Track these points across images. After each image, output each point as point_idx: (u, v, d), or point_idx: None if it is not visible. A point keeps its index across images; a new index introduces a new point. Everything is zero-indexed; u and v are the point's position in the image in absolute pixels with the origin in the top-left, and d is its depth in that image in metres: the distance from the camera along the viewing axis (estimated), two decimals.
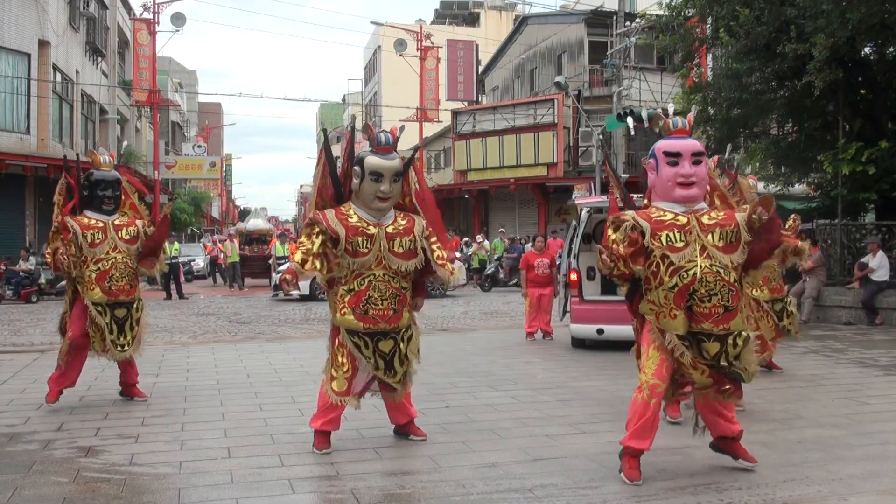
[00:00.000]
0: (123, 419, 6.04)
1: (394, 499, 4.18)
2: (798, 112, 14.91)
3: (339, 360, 4.92)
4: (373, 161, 4.91)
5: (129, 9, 32.63)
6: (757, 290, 7.11)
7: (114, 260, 6.29)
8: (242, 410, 6.32)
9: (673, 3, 14.81)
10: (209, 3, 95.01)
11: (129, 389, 6.70)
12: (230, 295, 20.96)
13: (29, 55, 21.52)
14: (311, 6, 75.24)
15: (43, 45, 21.99)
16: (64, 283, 6.87)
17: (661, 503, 4.11)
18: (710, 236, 4.30)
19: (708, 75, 16.92)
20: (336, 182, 5.08)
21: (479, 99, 39.97)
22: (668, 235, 4.31)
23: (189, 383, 7.57)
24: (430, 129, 36.93)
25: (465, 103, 37.98)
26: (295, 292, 17.85)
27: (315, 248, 4.78)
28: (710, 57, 17.18)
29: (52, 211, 6.47)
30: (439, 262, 5.03)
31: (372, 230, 4.89)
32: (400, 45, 33.63)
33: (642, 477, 4.38)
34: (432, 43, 34.21)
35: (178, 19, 28.60)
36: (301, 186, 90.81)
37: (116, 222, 6.43)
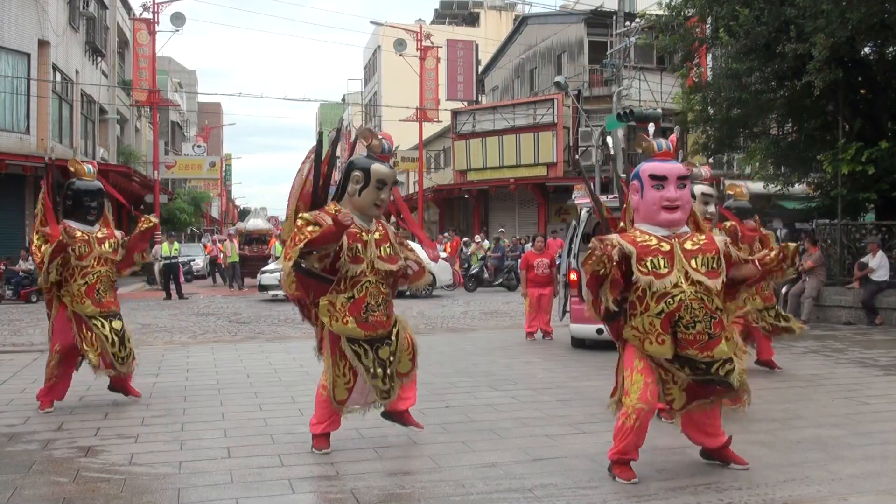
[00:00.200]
0: (123, 419, 6.04)
1: (394, 499, 4.18)
2: (798, 112, 14.91)
3: (340, 369, 4.89)
4: (380, 169, 4.89)
5: (128, 9, 32.61)
6: (750, 301, 7.09)
7: (99, 273, 6.20)
8: (242, 410, 6.32)
9: (673, 3, 14.81)
10: (209, 3, 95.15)
11: (124, 390, 6.65)
12: (230, 295, 20.97)
13: (29, 55, 21.51)
14: (310, 6, 75.30)
15: (43, 44, 21.97)
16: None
17: (660, 503, 4.11)
18: (693, 261, 4.28)
19: (708, 75, 16.94)
20: (320, 185, 4.99)
21: (479, 99, 39.98)
22: (652, 261, 4.27)
23: (189, 383, 7.57)
24: (430, 129, 36.93)
25: (465, 103, 37.99)
26: (279, 292, 17.86)
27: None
28: (709, 57, 17.19)
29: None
30: (416, 266, 5.14)
31: (366, 237, 4.89)
32: (400, 44, 33.62)
33: (641, 477, 4.39)
34: (432, 43, 34.20)
35: (177, 19, 28.57)
36: None
37: (99, 235, 6.31)
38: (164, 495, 4.25)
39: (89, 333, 6.16)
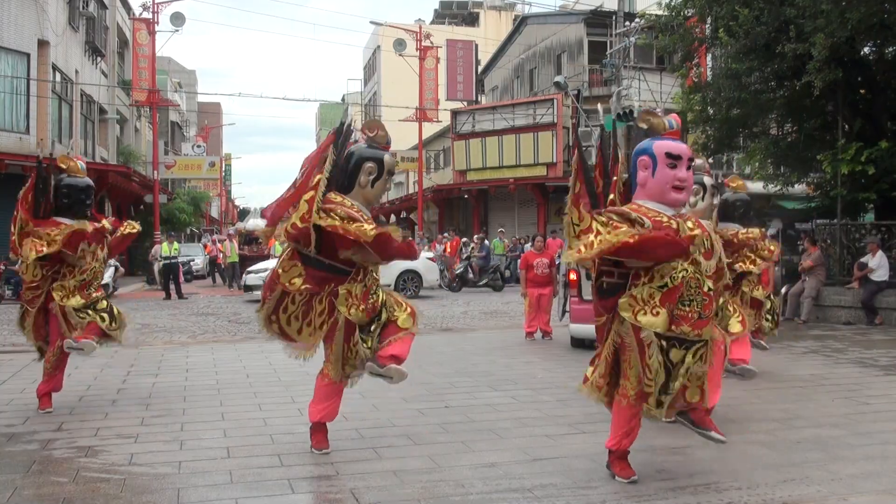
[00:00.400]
0: (123, 419, 6.04)
1: (394, 499, 4.18)
2: (797, 112, 14.92)
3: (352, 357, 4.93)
4: (389, 160, 4.96)
5: (128, 9, 32.60)
6: (757, 290, 7.12)
7: (94, 269, 6.24)
8: (242, 410, 6.32)
9: (672, 3, 14.81)
10: (208, 3, 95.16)
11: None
12: (229, 295, 20.96)
13: (28, 55, 21.49)
14: (310, 6, 75.37)
15: (42, 44, 21.97)
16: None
17: (661, 503, 4.11)
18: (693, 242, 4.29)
19: (707, 75, 16.93)
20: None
21: (479, 99, 39.98)
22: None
23: (188, 383, 7.57)
24: (430, 129, 36.94)
25: (465, 103, 37.99)
26: (258, 293, 17.84)
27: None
28: (709, 57, 17.19)
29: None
30: None
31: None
32: (399, 44, 33.62)
33: (641, 477, 4.39)
34: (432, 43, 34.20)
35: (177, 19, 28.58)
36: None
37: (90, 230, 6.26)
38: (163, 495, 4.25)
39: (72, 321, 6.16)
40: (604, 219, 4.19)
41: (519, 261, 12.84)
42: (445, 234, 27.33)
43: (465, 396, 6.86)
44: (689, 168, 4.35)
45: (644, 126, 4.44)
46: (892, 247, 13.19)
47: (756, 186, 18.48)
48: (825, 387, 7.28)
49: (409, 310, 5.03)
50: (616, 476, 4.40)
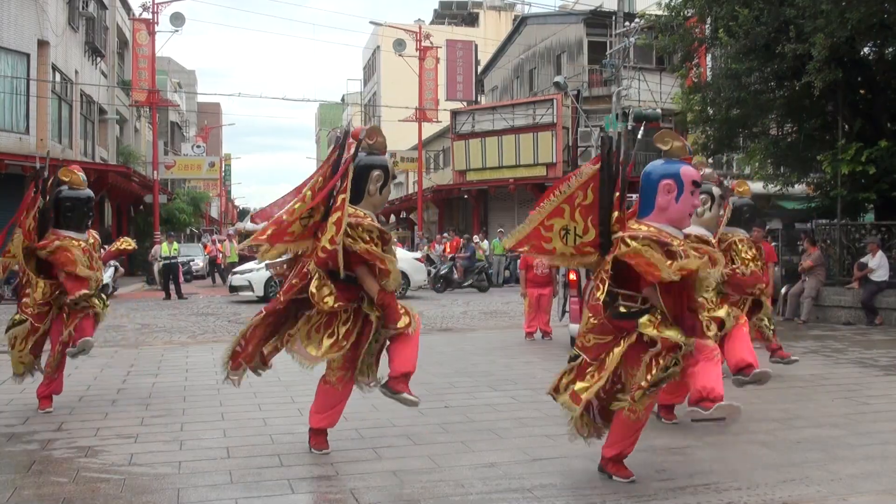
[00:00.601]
0: (122, 419, 6.03)
1: (393, 499, 4.18)
2: (797, 112, 14.92)
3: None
4: (391, 167, 5.01)
5: (128, 9, 32.60)
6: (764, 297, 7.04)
7: (94, 279, 6.21)
8: (242, 410, 6.31)
9: (672, 4, 14.81)
10: (208, 3, 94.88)
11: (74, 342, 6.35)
12: (229, 295, 20.93)
13: (28, 55, 21.49)
14: (309, 6, 75.35)
15: (42, 45, 21.96)
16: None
17: (660, 503, 4.11)
18: None
19: (707, 75, 16.94)
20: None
21: (479, 99, 39.96)
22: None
23: (188, 383, 7.56)
24: (430, 130, 36.93)
25: (465, 103, 37.98)
26: (250, 293, 17.92)
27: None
28: (709, 57, 17.19)
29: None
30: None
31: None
32: (399, 45, 33.62)
33: (640, 478, 4.39)
34: (431, 43, 34.20)
35: (177, 19, 28.57)
36: None
37: (90, 241, 6.31)
38: (163, 495, 4.25)
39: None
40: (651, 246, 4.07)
41: (519, 261, 12.83)
42: (445, 235, 27.33)
43: (465, 396, 6.86)
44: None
45: (664, 147, 4.33)
46: (892, 247, 13.19)
47: (756, 186, 18.46)
48: (825, 387, 7.28)
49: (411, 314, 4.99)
50: (614, 476, 4.40)
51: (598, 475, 4.48)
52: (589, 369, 4.31)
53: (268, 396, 6.86)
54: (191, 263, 27.55)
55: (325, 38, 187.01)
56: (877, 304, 12.32)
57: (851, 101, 13.89)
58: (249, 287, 18.01)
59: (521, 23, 36.84)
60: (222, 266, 24.73)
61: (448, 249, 23.92)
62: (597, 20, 30.35)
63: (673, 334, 4.12)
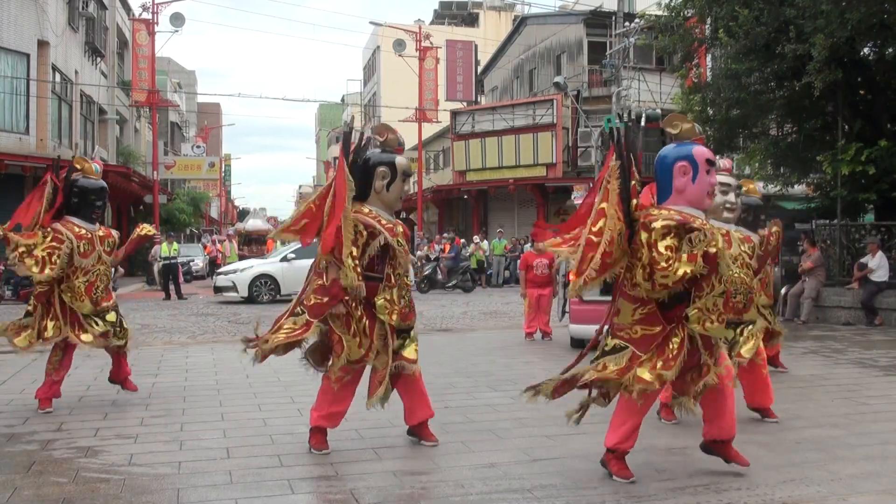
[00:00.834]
0: (122, 419, 6.03)
1: (393, 499, 4.18)
2: (797, 112, 14.92)
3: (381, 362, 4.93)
4: (402, 162, 4.97)
5: (128, 9, 32.60)
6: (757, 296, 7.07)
7: (98, 272, 6.32)
8: (241, 411, 6.31)
9: (672, 4, 14.82)
10: (207, 3, 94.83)
11: (122, 383, 6.71)
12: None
13: (28, 55, 21.50)
14: (309, 6, 75.35)
15: (42, 45, 21.96)
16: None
17: (660, 503, 4.11)
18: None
19: (707, 76, 16.94)
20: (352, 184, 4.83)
21: (479, 99, 39.98)
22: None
23: (188, 383, 7.56)
24: (429, 130, 36.94)
25: (464, 104, 38.00)
26: (234, 294, 17.95)
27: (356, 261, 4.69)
28: (709, 57, 17.20)
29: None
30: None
31: (399, 229, 4.96)
32: (399, 45, 33.63)
33: (640, 478, 4.39)
34: (431, 43, 34.21)
35: (176, 20, 28.60)
36: (300, 187, 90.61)
37: (100, 234, 6.39)
38: (163, 496, 4.24)
39: (81, 331, 6.22)
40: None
41: (518, 261, 12.83)
42: (445, 235, 27.34)
43: (465, 396, 6.86)
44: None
45: (674, 131, 4.37)
46: (892, 247, 13.20)
47: (756, 187, 18.49)
48: (825, 387, 7.28)
49: (416, 340, 5.07)
50: (614, 475, 4.40)
51: (598, 475, 4.48)
52: (645, 356, 4.23)
53: (268, 396, 6.87)
54: (191, 264, 27.54)
55: (324, 38, 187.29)
56: (877, 304, 12.32)
57: (851, 102, 13.89)
58: (234, 288, 18.06)
59: (520, 23, 36.84)
60: (222, 266, 24.72)
61: (447, 250, 23.91)
62: (597, 20, 30.36)
63: (716, 329, 4.29)
